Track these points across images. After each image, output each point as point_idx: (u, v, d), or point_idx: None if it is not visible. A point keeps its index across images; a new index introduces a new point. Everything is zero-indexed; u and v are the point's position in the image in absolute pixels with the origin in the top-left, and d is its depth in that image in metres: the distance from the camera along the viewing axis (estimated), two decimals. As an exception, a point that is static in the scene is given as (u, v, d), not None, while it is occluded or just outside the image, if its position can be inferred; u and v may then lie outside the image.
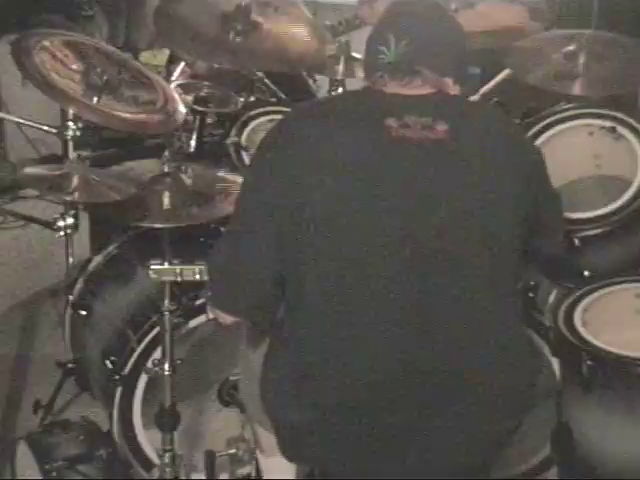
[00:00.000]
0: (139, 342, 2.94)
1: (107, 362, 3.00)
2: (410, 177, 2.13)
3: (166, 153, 2.89)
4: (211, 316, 2.92)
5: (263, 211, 2.16)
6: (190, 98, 3.16)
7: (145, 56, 5.34)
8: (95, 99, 2.82)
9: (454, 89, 2.23)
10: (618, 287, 2.88)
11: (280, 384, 2.24)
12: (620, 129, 3.10)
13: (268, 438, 2.46)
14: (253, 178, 2.24)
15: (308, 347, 2.18)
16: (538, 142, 3.16)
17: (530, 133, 3.17)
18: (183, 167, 2.87)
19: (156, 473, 2.87)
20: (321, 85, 4.07)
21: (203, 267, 2.61)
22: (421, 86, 2.19)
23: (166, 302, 2.76)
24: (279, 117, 2.92)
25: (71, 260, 3.35)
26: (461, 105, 2.26)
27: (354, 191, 2.11)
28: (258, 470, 2.82)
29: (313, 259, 2.13)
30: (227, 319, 2.29)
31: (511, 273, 2.20)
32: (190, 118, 3.16)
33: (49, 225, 3.23)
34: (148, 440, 3.01)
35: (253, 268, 2.19)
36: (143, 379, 2.94)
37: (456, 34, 2.26)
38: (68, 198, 2.72)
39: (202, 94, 3.20)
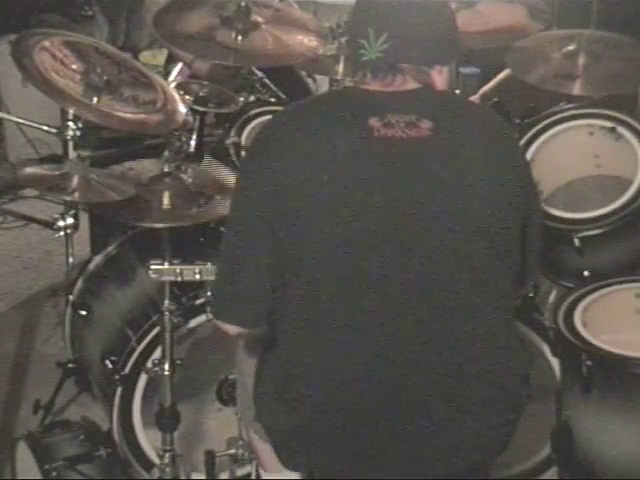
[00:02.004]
0: (139, 342, 2.94)
1: (107, 362, 3.00)
2: (394, 176, 2.12)
3: (166, 153, 2.89)
4: (211, 316, 2.93)
5: (257, 219, 2.14)
6: (190, 98, 3.16)
7: (145, 56, 5.34)
8: (95, 99, 2.82)
9: (441, 71, 2.20)
10: (618, 287, 2.89)
11: (270, 388, 2.23)
12: (620, 129, 3.10)
13: (269, 453, 2.42)
14: (243, 185, 2.21)
15: (295, 349, 2.17)
16: (538, 142, 3.16)
17: (530, 133, 3.17)
18: (183, 167, 2.87)
19: (156, 473, 2.87)
20: (321, 85, 4.07)
21: (203, 267, 2.62)
22: (404, 82, 2.17)
23: (166, 302, 2.76)
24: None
25: (71, 260, 3.34)
26: (446, 102, 2.23)
27: (338, 192, 2.10)
28: (258, 470, 2.82)
29: (297, 261, 2.13)
30: (231, 330, 2.27)
31: (499, 268, 2.18)
32: (190, 118, 3.16)
33: (49, 225, 3.22)
34: (148, 440, 3.01)
35: (253, 279, 2.18)
36: (143, 379, 2.94)
37: (439, 16, 2.20)
38: (68, 198, 2.71)
39: (202, 94, 3.20)
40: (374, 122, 2.12)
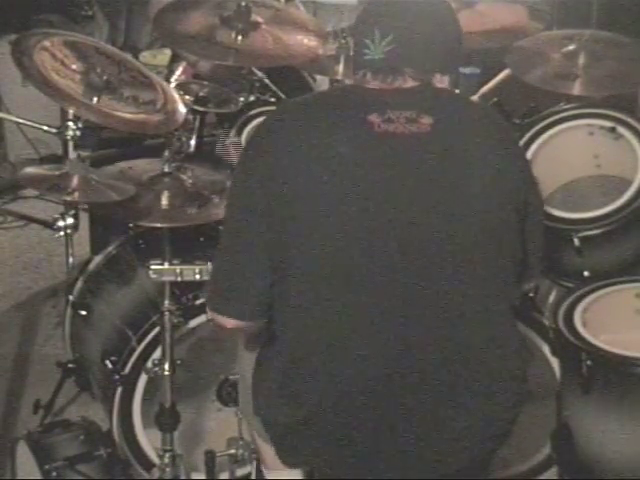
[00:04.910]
0: (139, 342, 2.94)
1: (107, 362, 3.00)
2: (395, 171, 2.12)
3: (166, 153, 2.89)
4: (211, 316, 2.93)
5: (253, 214, 2.15)
6: (190, 98, 3.16)
7: (145, 56, 5.34)
8: (95, 99, 2.82)
9: (442, 80, 2.21)
10: (618, 287, 2.89)
11: (270, 383, 2.23)
12: (620, 129, 3.10)
13: (271, 451, 2.41)
14: (240, 182, 2.22)
15: (295, 345, 2.18)
16: (538, 142, 3.16)
17: (530, 133, 3.17)
18: (183, 167, 2.87)
19: (156, 473, 2.87)
20: (321, 85, 4.07)
21: (203, 267, 2.62)
22: (404, 83, 2.17)
23: (166, 302, 2.76)
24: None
25: (71, 260, 3.35)
26: (446, 98, 2.23)
27: (339, 188, 2.11)
28: (258, 470, 2.82)
29: (298, 256, 2.13)
30: (227, 323, 2.27)
31: (499, 264, 2.18)
32: (190, 118, 3.16)
33: (49, 225, 3.22)
34: (148, 440, 3.01)
35: (250, 272, 2.18)
36: (143, 379, 2.94)
37: (445, 25, 2.22)
38: (68, 198, 2.72)
39: (202, 94, 3.20)
40: (374, 118, 2.12)
